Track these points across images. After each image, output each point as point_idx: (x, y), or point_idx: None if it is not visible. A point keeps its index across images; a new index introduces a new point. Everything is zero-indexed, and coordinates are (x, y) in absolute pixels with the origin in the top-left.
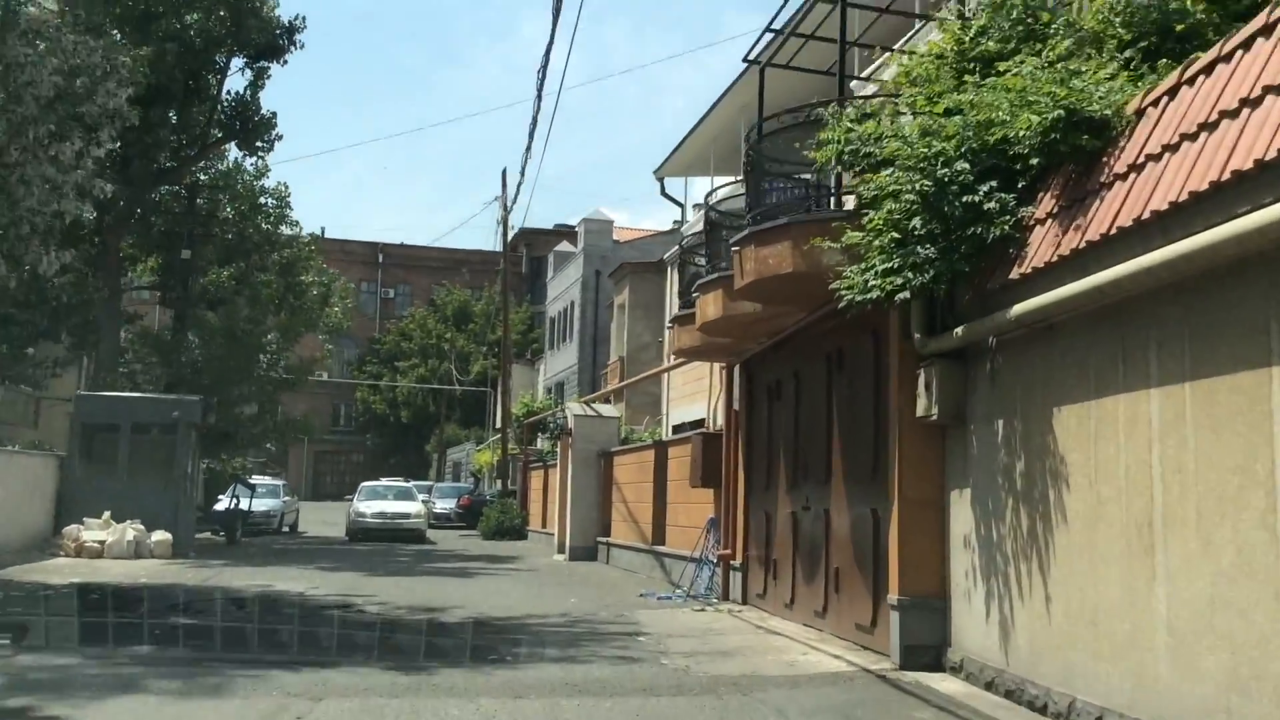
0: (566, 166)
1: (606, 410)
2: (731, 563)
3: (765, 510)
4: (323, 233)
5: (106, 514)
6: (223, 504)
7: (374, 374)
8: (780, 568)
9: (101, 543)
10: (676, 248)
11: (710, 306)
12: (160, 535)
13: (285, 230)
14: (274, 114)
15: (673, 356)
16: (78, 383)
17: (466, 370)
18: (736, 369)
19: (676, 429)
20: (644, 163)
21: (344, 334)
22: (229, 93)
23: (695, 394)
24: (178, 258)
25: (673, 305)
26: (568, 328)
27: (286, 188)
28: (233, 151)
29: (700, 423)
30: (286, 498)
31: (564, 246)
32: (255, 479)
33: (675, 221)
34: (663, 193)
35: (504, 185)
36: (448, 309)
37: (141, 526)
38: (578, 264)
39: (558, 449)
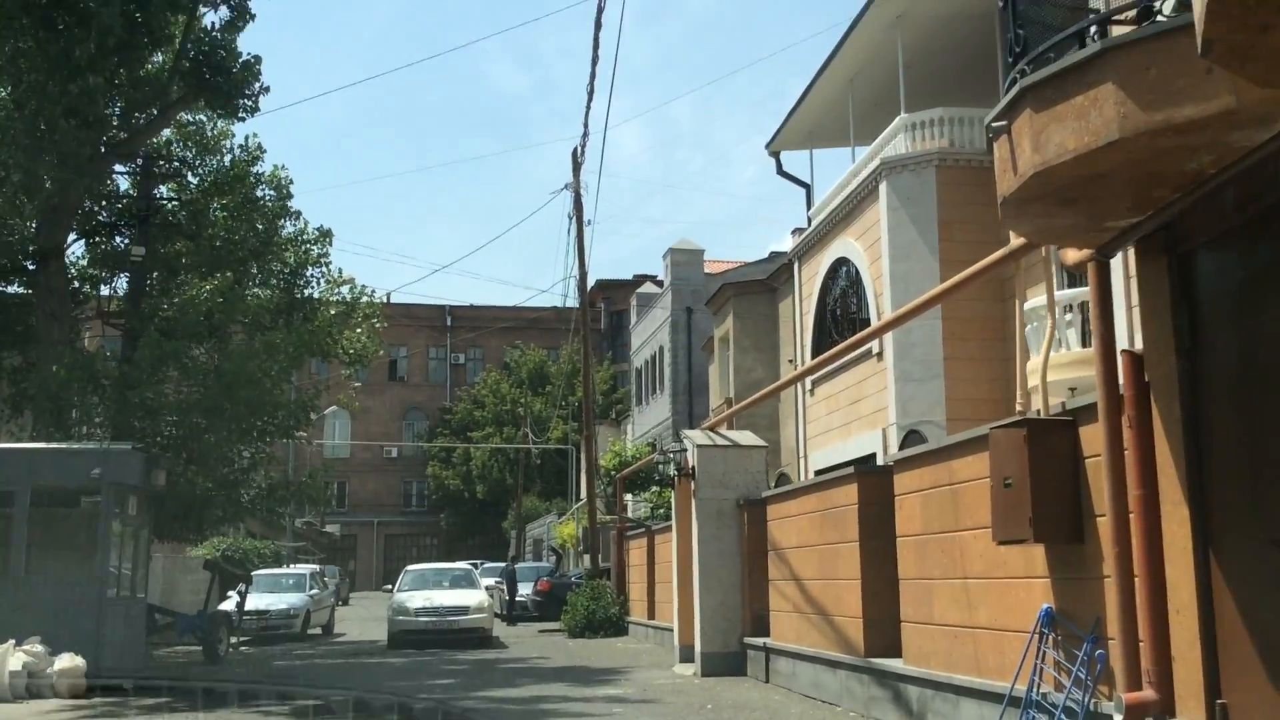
0: (632, 247)
1: (744, 438)
2: None
3: None
4: (388, 299)
5: None
6: (231, 602)
7: (446, 447)
8: None
9: None
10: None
11: None
12: (66, 661)
13: (287, 226)
14: (257, 59)
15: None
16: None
17: (544, 436)
18: (1143, 263)
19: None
20: (716, 234)
21: (369, 364)
22: (202, 30)
23: (849, 423)
24: (135, 267)
25: (798, 329)
26: (657, 378)
27: (286, 173)
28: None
29: (866, 460)
30: (315, 590)
31: (647, 288)
32: (293, 567)
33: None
34: (779, 171)
35: (575, 168)
36: (522, 371)
37: (40, 648)
38: (665, 302)
39: (672, 501)
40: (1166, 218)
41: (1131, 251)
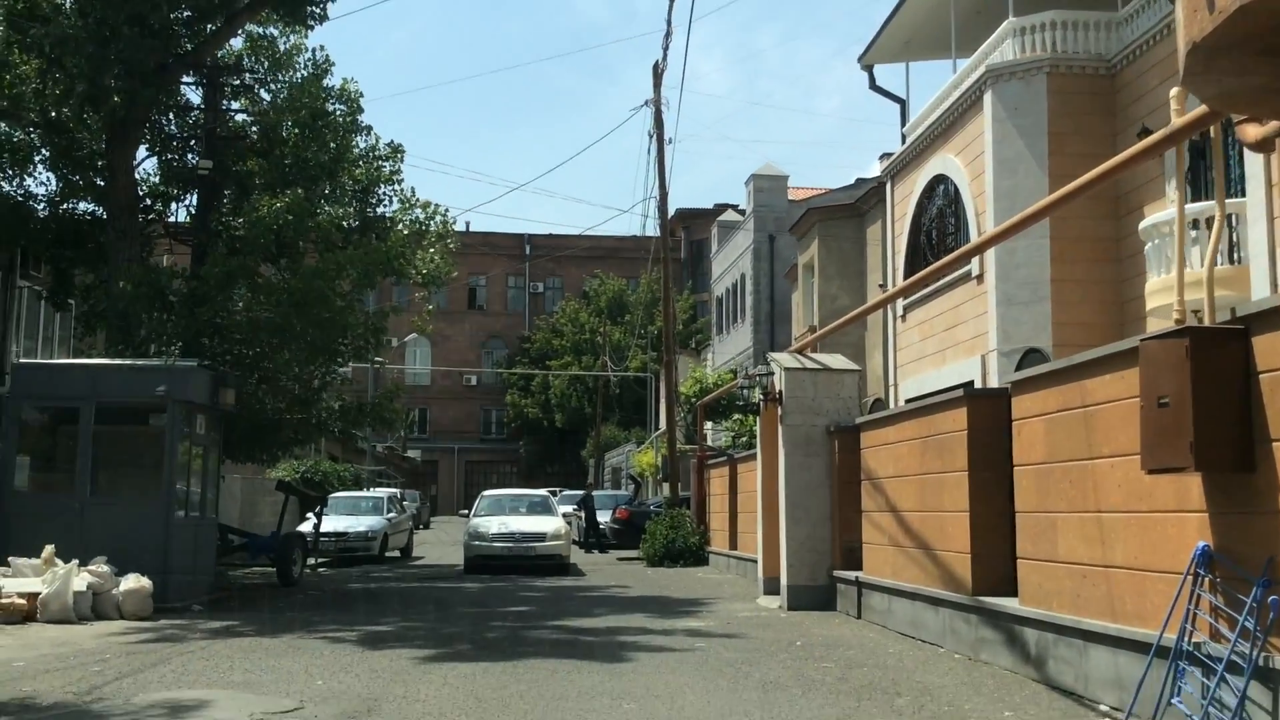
0: (718, 176)
1: (835, 361)
2: None
3: None
4: (468, 227)
5: (49, 549)
6: (308, 524)
7: (525, 374)
8: None
9: (33, 596)
10: None
11: None
12: (132, 582)
13: (358, 142)
14: None
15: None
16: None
17: (623, 365)
18: None
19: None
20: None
21: (442, 285)
22: None
23: (944, 350)
24: (204, 182)
25: (889, 253)
26: (738, 307)
27: (356, 87)
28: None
29: (966, 387)
30: (393, 514)
31: (729, 216)
32: (372, 490)
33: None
34: (872, 85)
35: (656, 81)
36: (601, 300)
37: (105, 568)
38: (747, 230)
39: (756, 429)
40: None
41: None
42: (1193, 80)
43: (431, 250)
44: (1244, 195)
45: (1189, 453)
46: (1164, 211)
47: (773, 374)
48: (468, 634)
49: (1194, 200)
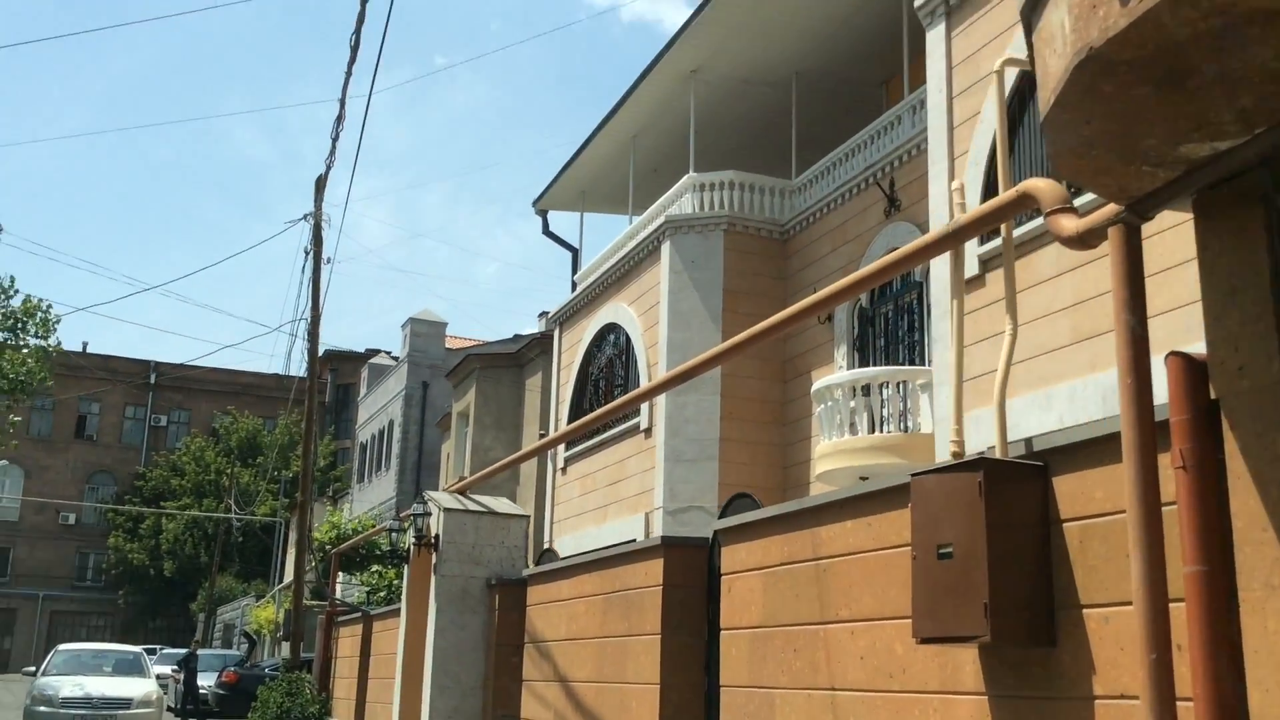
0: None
1: (502, 504)
2: None
3: None
4: (84, 348)
5: None
6: None
7: (134, 514)
8: None
9: None
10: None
11: None
12: None
13: None
14: None
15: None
16: None
17: (249, 509)
18: (1215, 221)
19: None
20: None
21: (36, 394)
22: None
23: (606, 506)
24: None
25: (554, 401)
26: (383, 454)
27: None
28: None
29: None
30: None
31: (381, 359)
32: None
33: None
34: (545, 231)
35: (318, 194)
36: (232, 438)
37: None
38: (399, 375)
39: (404, 579)
40: (1271, 144)
41: (1166, 210)
42: (1063, 111)
43: (24, 352)
44: (929, 361)
45: (984, 617)
46: (836, 374)
47: (429, 515)
48: None
49: (861, 365)
